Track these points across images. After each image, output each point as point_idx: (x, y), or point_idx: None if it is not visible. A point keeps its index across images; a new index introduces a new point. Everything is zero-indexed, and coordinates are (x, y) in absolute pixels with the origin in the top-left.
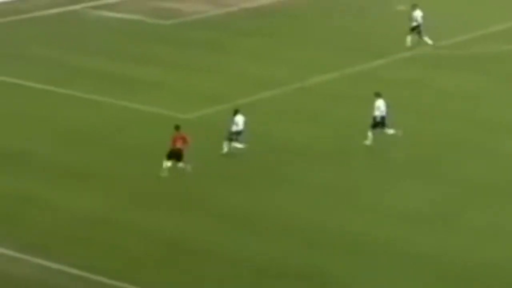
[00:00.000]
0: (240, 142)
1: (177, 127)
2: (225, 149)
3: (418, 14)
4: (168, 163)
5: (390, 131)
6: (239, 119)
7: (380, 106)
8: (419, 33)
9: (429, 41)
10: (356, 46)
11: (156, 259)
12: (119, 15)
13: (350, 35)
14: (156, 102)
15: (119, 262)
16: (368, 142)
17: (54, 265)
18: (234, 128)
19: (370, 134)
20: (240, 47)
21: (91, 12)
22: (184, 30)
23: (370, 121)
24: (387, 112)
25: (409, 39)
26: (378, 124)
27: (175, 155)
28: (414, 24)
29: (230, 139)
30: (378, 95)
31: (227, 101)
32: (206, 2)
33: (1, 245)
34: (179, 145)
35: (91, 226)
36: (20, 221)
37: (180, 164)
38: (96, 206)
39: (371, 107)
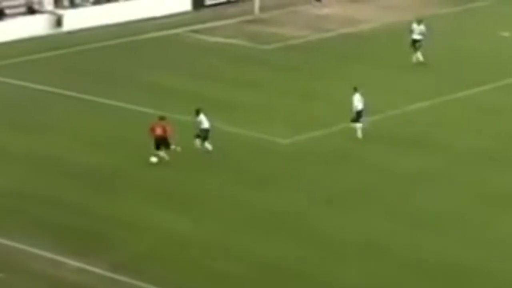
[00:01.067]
0: (209, 142)
1: (161, 118)
2: (197, 145)
3: (421, 28)
4: (160, 153)
5: None
6: (202, 118)
7: (358, 99)
8: (418, 47)
9: (421, 58)
10: (459, 72)
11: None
12: (219, 39)
13: (454, 61)
14: (256, 126)
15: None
16: (359, 133)
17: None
18: (202, 126)
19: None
20: (340, 72)
21: (192, 35)
22: (283, 55)
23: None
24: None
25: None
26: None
27: (162, 142)
28: (417, 37)
29: (198, 136)
30: (355, 89)
31: (328, 127)
32: (306, 26)
33: (93, 264)
34: (159, 132)
35: (182, 247)
36: (112, 241)
37: (172, 147)
38: (191, 228)
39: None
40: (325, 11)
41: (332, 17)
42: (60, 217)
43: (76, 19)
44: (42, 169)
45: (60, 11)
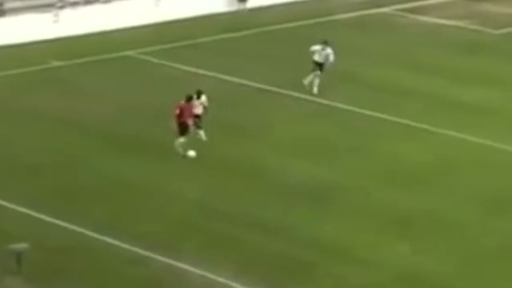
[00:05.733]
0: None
1: (190, 98)
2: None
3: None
4: (181, 140)
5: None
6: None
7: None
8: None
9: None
10: None
11: None
12: (437, 20)
13: None
14: (487, 132)
15: None
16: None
17: None
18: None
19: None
20: None
21: (403, 16)
22: None
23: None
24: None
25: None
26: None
27: (184, 129)
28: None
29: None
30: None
31: None
32: None
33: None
34: (187, 118)
35: None
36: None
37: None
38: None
39: None
40: None
41: None
42: (255, 238)
43: None
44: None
45: None
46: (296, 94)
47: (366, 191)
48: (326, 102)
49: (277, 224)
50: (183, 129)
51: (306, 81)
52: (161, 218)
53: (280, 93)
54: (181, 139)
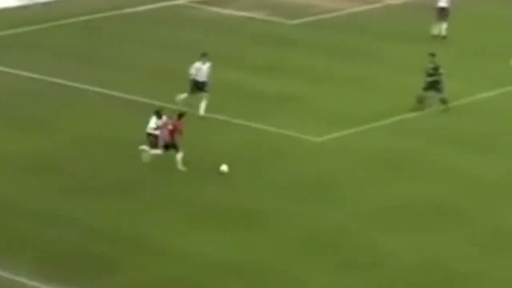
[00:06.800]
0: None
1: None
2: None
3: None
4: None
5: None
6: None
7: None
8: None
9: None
10: None
11: None
12: (235, 13)
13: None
14: (284, 121)
15: None
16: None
17: None
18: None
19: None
20: (387, 53)
21: (200, 8)
22: (316, 32)
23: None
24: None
25: None
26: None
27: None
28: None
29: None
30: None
31: (372, 121)
32: None
33: None
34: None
35: None
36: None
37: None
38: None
39: None
40: None
41: None
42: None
43: None
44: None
45: None
46: (91, 88)
47: (166, 184)
48: (134, 97)
49: (75, 218)
50: None
51: (178, 99)
52: None
53: (73, 87)
54: None
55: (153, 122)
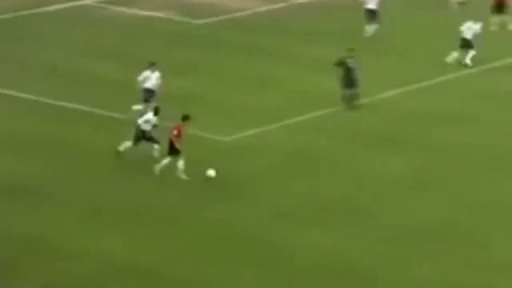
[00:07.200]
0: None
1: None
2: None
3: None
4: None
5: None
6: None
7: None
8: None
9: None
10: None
11: None
12: (141, 12)
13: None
14: (192, 121)
15: None
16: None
17: None
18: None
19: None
20: (293, 53)
21: (106, 8)
22: (221, 31)
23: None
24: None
25: None
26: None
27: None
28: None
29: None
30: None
31: (279, 120)
32: None
33: None
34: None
35: None
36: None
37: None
38: None
39: None
40: None
41: None
42: None
43: None
44: None
45: None
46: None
47: (71, 183)
48: (33, 97)
49: None
50: None
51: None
52: None
53: None
54: None
55: (152, 118)
